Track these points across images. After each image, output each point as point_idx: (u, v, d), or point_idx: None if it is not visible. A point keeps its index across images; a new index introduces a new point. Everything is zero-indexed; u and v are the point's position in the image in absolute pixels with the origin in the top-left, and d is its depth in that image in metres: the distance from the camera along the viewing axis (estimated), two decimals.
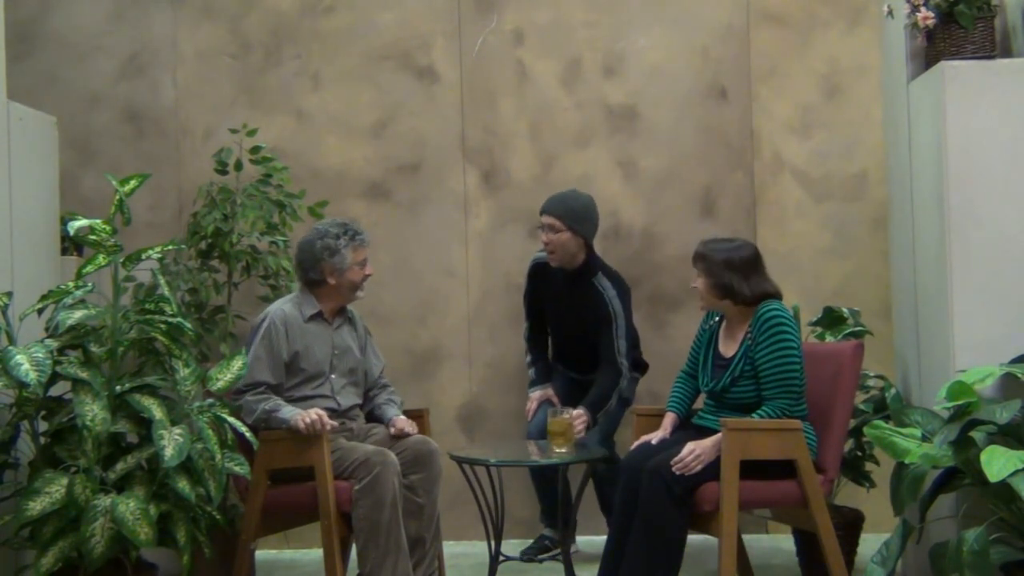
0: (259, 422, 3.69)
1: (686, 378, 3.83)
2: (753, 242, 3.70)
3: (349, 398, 3.93)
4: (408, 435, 3.85)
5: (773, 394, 3.48)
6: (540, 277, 4.51)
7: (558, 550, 4.20)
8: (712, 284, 3.61)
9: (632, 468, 3.53)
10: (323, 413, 3.64)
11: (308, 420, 3.59)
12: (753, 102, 4.90)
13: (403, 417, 3.93)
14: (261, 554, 4.52)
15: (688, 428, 3.70)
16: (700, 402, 3.84)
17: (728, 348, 3.67)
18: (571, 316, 4.42)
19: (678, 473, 3.39)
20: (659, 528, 3.38)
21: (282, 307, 3.90)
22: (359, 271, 3.90)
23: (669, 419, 3.75)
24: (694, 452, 3.40)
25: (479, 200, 4.96)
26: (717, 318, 3.76)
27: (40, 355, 3.34)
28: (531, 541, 4.55)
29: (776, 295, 3.63)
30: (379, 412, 4.01)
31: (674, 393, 3.81)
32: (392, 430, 3.88)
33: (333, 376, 3.90)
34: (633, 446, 3.71)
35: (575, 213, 4.29)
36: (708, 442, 3.42)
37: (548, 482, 4.37)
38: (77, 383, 3.39)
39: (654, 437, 3.67)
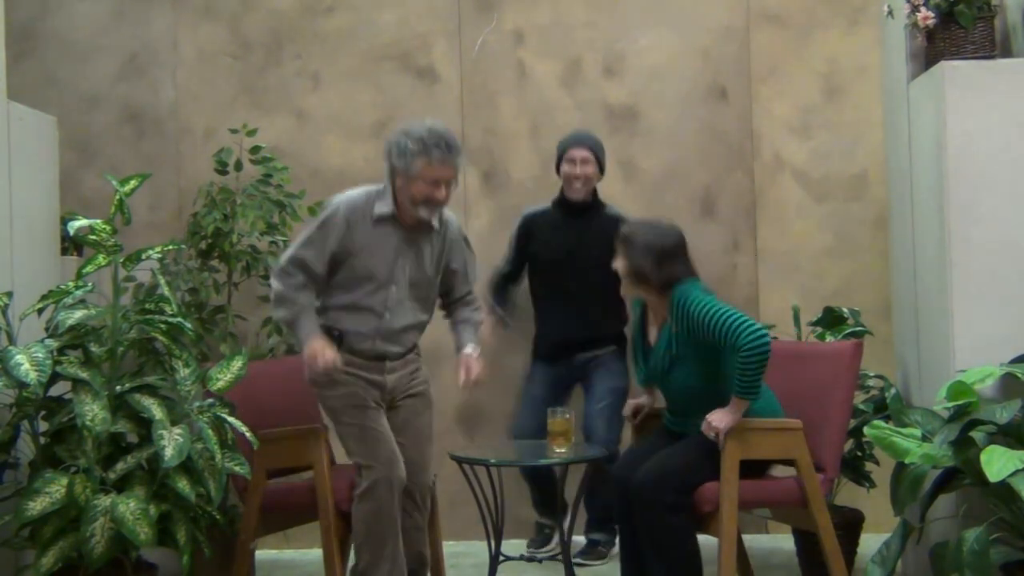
0: (280, 321, 3.62)
1: None
2: (680, 229, 3.61)
3: (405, 316, 3.58)
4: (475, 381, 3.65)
5: (732, 342, 3.33)
6: (536, 227, 4.56)
7: (556, 541, 4.31)
8: (629, 268, 3.52)
9: (623, 481, 3.51)
10: (330, 360, 3.40)
11: (318, 364, 3.39)
12: (753, 102, 4.90)
13: (473, 359, 3.64)
14: (261, 554, 4.51)
15: (664, 432, 3.69)
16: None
17: (652, 335, 3.62)
18: (583, 252, 4.42)
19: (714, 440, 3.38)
20: (668, 543, 3.36)
21: (355, 199, 3.53)
22: (423, 187, 3.45)
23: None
24: (712, 425, 3.37)
25: (479, 200, 4.96)
26: (639, 308, 3.70)
27: (40, 355, 3.34)
28: (527, 543, 4.57)
29: (685, 278, 3.52)
30: (455, 333, 3.77)
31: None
32: (460, 373, 3.65)
33: (393, 288, 3.53)
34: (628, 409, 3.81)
35: (600, 147, 4.55)
36: (724, 413, 3.38)
37: (541, 477, 4.39)
38: (77, 383, 3.39)
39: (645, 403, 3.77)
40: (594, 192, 4.53)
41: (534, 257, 4.57)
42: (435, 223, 3.57)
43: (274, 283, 3.53)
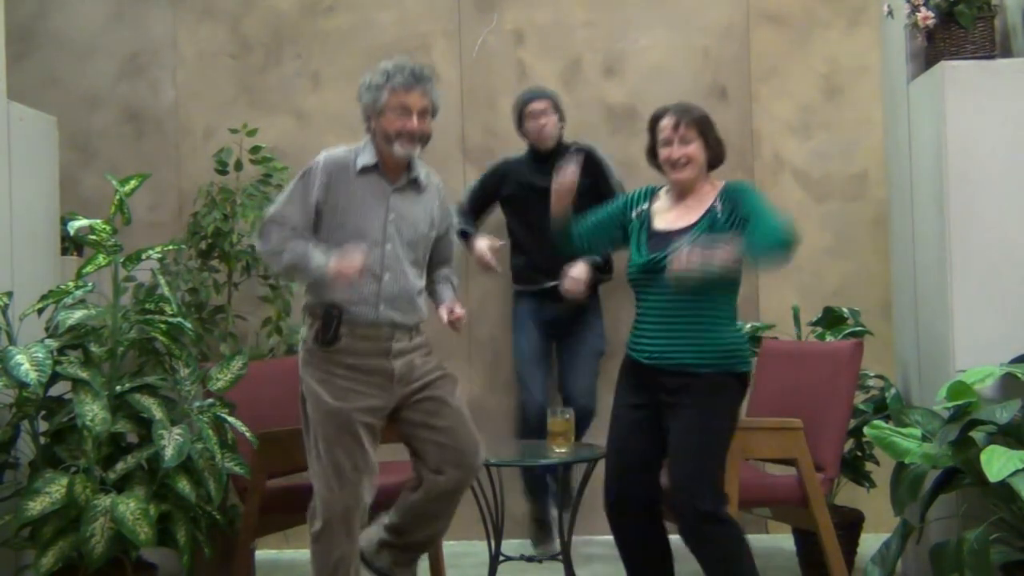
0: (287, 270, 3.26)
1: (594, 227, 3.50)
2: None
3: (406, 279, 3.29)
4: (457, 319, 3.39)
5: (769, 221, 3.12)
6: (511, 170, 4.57)
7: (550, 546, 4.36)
8: (708, 144, 3.34)
9: (618, 509, 3.25)
10: (359, 261, 3.10)
11: (351, 268, 3.09)
12: (753, 102, 4.90)
13: (455, 305, 3.40)
14: (261, 554, 4.51)
15: (627, 378, 3.31)
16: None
17: (676, 221, 3.34)
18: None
19: (684, 267, 3.01)
20: (720, 555, 3.11)
21: (336, 153, 3.30)
22: (395, 120, 3.24)
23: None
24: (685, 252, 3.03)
25: None
26: (646, 204, 3.51)
27: (40, 355, 3.35)
28: (530, 542, 4.56)
29: None
30: (436, 290, 3.50)
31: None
32: (443, 312, 3.40)
33: (388, 246, 3.25)
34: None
35: (558, 98, 4.61)
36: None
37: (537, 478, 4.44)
38: (77, 383, 3.39)
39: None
40: (559, 139, 4.56)
41: (510, 198, 4.58)
42: (420, 173, 3.36)
43: (258, 246, 3.30)
